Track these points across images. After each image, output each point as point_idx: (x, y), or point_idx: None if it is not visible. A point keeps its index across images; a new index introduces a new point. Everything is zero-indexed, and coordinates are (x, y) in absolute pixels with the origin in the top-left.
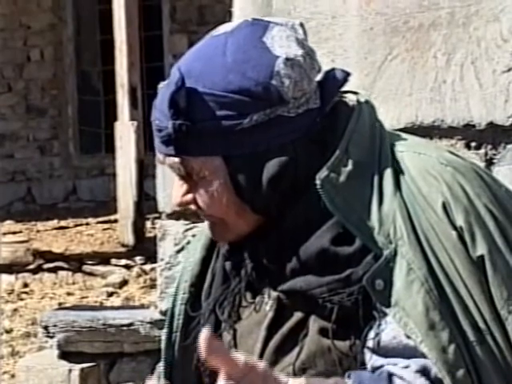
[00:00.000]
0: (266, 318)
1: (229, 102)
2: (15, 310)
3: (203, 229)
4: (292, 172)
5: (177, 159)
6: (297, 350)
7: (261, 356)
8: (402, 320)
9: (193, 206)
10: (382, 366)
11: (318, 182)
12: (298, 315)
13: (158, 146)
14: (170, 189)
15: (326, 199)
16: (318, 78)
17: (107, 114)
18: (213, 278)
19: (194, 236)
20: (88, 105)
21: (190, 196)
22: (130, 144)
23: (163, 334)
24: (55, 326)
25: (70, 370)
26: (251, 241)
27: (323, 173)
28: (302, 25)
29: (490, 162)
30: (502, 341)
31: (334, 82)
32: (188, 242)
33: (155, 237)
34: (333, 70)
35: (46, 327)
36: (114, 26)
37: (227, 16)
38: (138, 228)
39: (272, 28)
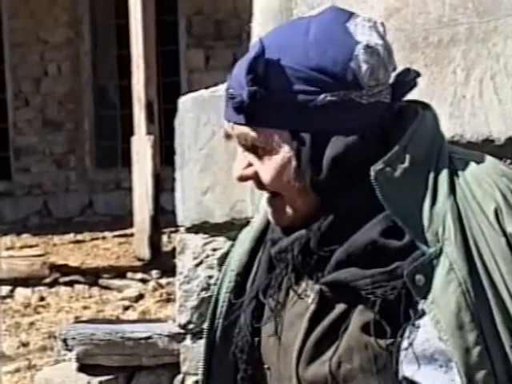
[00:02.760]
0: (308, 311)
1: (306, 77)
2: (32, 323)
3: (253, 223)
4: (354, 155)
5: (246, 129)
6: (336, 344)
7: (301, 348)
8: (436, 317)
9: (253, 181)
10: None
11: (372, 173)
12: (339, 308)
13: (228, 115)
14: (189, 202)
15: (378, 191)
16: (393, 75)
17: (124, 128)
18: (258, 267)
19: (213, 250)
20: (104, 119)
21: (251, 169)
22: (147, 158)
23: (207, 320)
24: (74, 338)
25: (88, 383)
26: (303, 224)
27: (378, 165)
28: (383, 24)
29: None
30: None
31: (405, 81)
32: (207, 256)
33: (171, 251)
34: (407, 69)
35: (64, 340)
36: (131, 41)
37: (243, 31)
38: (155, 242)
39: (357, 17)
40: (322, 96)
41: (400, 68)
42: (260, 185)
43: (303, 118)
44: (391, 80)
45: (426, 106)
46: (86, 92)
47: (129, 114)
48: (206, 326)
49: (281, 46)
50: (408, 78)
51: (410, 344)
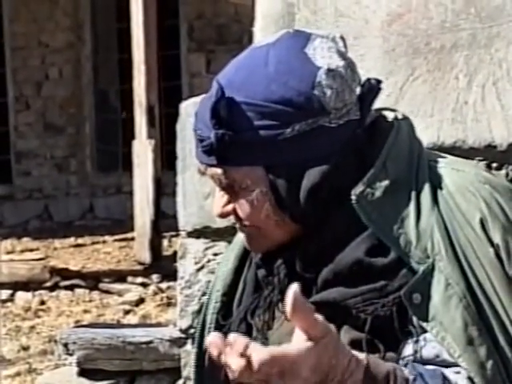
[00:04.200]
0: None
1: (271, 111)
2: (32, 327)
3: (237, 239)
4: (331, 182)
5: (219, 169)
6: None
7: None
8: (440, 334)
9: (233, 217)
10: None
11: (353, 197)
12: None
13: (199, 156)
14: (191, 207)
15: (361, 214)
16: (358, 89)
17: (124, 133)
18: (244, 287)
19: (214, 255)
20: (105, 123)
21: (230, 206)
22: (148, 162)
23: (194, 344)
24: (74, 343)
25: None
26: (286, 249)
27: (359, 188)
28: (342, 38)
29: (511, 183)
30: None
31: (370, 92)
32: (208, 261)
33: (172, 255)
34: (367, 80)
35: (65, 344)
36: (133, 45)
37: (245, 35)
38: (155, 246)
39: (314, 39)
40: (290, 128)
41: (363, 77)
42: (239, 220)
43: (274, 153)
44: (358, 92)
45: (399, 115)
46: (87, 96)
47: (130, 118)
48: (194, 348)
49: (242, 81)
50: (372, 86)
51: (416, 356)
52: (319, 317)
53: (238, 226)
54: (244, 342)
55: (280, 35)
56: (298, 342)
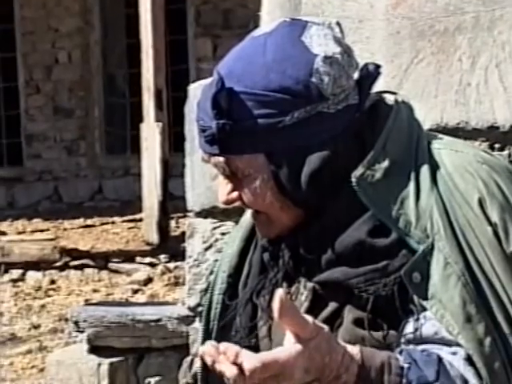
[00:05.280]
0: (301, 308)
1: (270, 100)
2: (43, 306)
3: (242, 221)
4: (332, 167)
5: (221, 158)
6: None
7: None
8: (439, 312)
9: (238, 203)
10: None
11: (353, 179)
12: (332, 305)
13: (202, 146)
14: (199, 188)
15: (362, 196)
16: (356, 75)
17: (133, 116)
18: (250, 268)
19: (222, 234)
20: (114, 106)
21: (235, 194)
22: (155, 145)
23: (201, 323)
24: (85, 321)
25: (99, 364)
26: (291, 232)
27: (359, 171)
28: (338, 23)
29: None
30: None
31: (368, 77)
32: (216, 240)
33: (179, 235)
34: (365, 65)
35: (76, 322)
36: (141, 30)
37: (251, 20)
38: (163, 227)
39: (310, 27)
40: (290, 116)
41: (360, 63)
42: (245, 206)
43: (275, 141)
44: (356, 76)
45: (399, 98)
46: (96, 80)
47: (138, 101)
48: (201, 328)
49: (240, 72)
50: (371, 72)
51: (419, 337)
52: (309, 318)
53: (250, 213)
54: (235, 350)
55: (276, 24)
56: (289, 345)
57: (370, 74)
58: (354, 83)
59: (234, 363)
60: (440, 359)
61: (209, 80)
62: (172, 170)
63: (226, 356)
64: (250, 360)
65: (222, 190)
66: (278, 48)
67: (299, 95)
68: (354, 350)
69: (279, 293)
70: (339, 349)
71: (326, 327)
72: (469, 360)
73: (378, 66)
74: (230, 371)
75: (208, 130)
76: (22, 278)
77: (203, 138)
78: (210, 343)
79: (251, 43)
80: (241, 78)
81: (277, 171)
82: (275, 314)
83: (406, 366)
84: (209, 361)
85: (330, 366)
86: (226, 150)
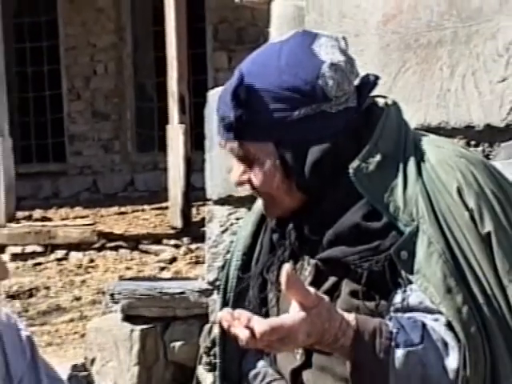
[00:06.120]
0: (305, 282)
1: (282, 97)
2: (83, 281)
3: (254, 208)
4: (331, 158)
5: (236, 144)
6: None
7: None
8: (423, 285)
9: (248, 185)
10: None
11: (350, 170)
12: (332, 279)
13: (220, 132)
14: (216, 179)
15: (357, 185)
16: (356, 82)
17: (160, 119)
18: (261, 248)
19: (236, 219)
20: (144, 111)
21: (245, 176)
22: (179, 144)
23: (219, 295)
24: (119, 294)
25: (131, 331)
26: (296, 216)
27: (355, 163)
28: (344, 38)
29: (487, 158)
30: (504, 304)
31: (367, 85)
32: (231, 224)
33: (200, 221)
34: (367, 75)
35: (112, 295)
36: (167, 45)
37: (261, 36)
38: (186, 214)
39: (320, 38)
40: (297, 111)
41: (362, 73)
42: (253, 188)
43: (283, 132)
44: (356, 83)
45: (389, 101)
46: (128, 88)
47: (164, 106)
48: (218, 299)
49: (258, 71)
50: (370, 81)
51: (406, 306)
52: (311, 289)
53: (257, 195)
54: (247, 316)
55: (291, 34)
56: (294, 312)
57: (370, 82)
58: (354, 89)
59: (247, 327)
60: (424, 325)
61: (225, 86)
62: (193, 165)
63: (239, 321)
64: (260, 324)
65: (235, 172)
66: (291, 54)
67: (307, 95)
68: (350, 317)
69: (286, 267)
70: (337, 316)
71: (326, 298)
72: (449, 326)
73: (376, 78)
74: (242, 334)
75: (226, 119)
76: (65, 258)
77: (222, 126)
78: (226, 310)
79: (269, 48)
80: (258, 76)
81: (284, 158)
82: (282, 286)
83: (394, 330)
84: (225, 325)
85: (329, 330)
86: (240, 136)
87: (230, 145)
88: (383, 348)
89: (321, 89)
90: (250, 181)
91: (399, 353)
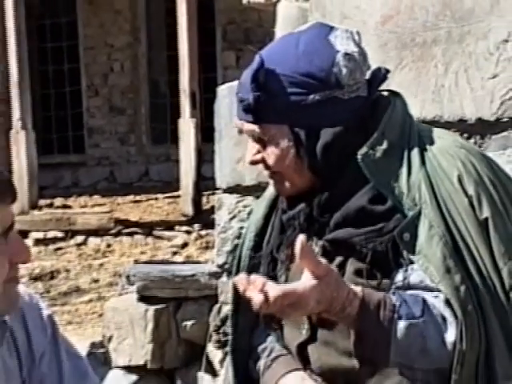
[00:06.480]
0: None
1: (298, 82)
2: (101, 264)
3: (265, 194)
4: (341, 142)
5: (253, 125)
6: None
7: None
8: (424, 265)
9: (262, 164)
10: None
11: (359, 156)
12: (338, 259)
13: (239, 114)
14: (225, 169)
15: (365, 170)
16: (368, 73)
17: (172, 113)
18: (272, 230)
19: (244, 206)
20: (157, 106)
21: (259, 156)
22: (190, 137)
23: (232, 273)
24: (135, 276)
25: (146, 310)
26: (306, 198)
27: (363, 150)
28: (358, 33)
29: None
30: (499, 285)
31: (378, 77)
32: (239, 211)
33: (210, 209)
34: (378, 68)
35: (127, 277)
36: (178, 44)
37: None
38: (196, 202)
39: (336, 30)
40: (312, 96)
41: (374, 66)
42: (267, 167)
43: (298, 115)
44: (368, 76)
45: (396, 95)
46: (143, 85)
47: (176, 102)
48: (232, 277)
49: (277, 57)
50: (381, 74)
51: (407, 285)
52: (322, 260)
53: (267, 173)
54: (262, 281)
55: (310, 25)
56: (306, 280)
57: (380, 75)
58: (365, 80)
59: (261, 291)
60: (425, 300)
61: (233, 82)
62: (204, 157)
63: (254, 285)
64: (274, 289)
65: (250, 152)
66: (309, 42)
67: (321, 81)
68: (357, 289)
69: (301, 238)
70: (345, 287)
71: (335, 269)
72: (447, 303)
73: (387, 71)
74: (257, 297)
75: (245, 101)
76: (84, 243)
77: (240, 107)
78: (243, 274)
79: (288, 37)
80: (276, 62)
81: (297, 139)
82: (296, 255)
83: (397, 303)
84: (241, 288)
85: (337, 299)
86: (258, 117)
87: (248, 126)
88: (387, 319)
89: (335, 76)
90: (263, 160)
91: (401, 324)
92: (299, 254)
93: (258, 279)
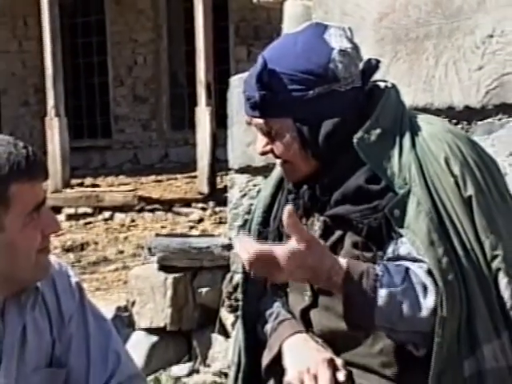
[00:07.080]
0: (315, 235)
1: (298, 79)
2: (126, 238)
3: (273, 174)
4: (341, 131)
5: (260, 120)
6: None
7: None
8: (411, 239)
9: (271, 154)
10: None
11: (354, 140)
12: (337, 233)
13: (246, 111)
14: (237, 151)
15: (360, 153)
16: (361, 65)
17: (190, 102)
18: (279, 207)
19: (254, 185)
20: (176, 95)
21: (268, 147)
22: (206, 123)
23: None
24: (156, 248)
25: (165, 279)
26: (310, 179)
27: (359, 134)
28: (350, 29)
29: None
30: (482, 256)
31: (370, 68)
32: (249, 190)
33: (223, 188)
34: (369, 59)
35: (149, 249)
36: (196, 40)
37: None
38: (211, 182)
39: (330, 28)
40: (312, 91)
41: (365, 58)
42: (275, 156)
43: (300, 109)
44: (361, 67)
45: (390, 85)
46: (164, 76)
47: (193, 92)
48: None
49: (278, 57)
50: (372, 65)
51: (396, 256)
52: (305, 228)
53: (279, 162)
54: (248, 240)
55: (305, 26)
56: (288, 244)
57: (372, 65)
58: (359, 71)
59: (247, 250)
60: (407, 270)
61: (244, 74)
62: (218, 141)
63: (245, 247)
64: (253, 247)
65: (259, 144)
66: (306, 42)
67: (320, 76)
68: (343, 261)
69: (288, 208)
70: (330, 258)
71: (321, 241)
72: (429, 273)
73: (378, 61)
74: (242, 255)
75: (252, 99)
76: (111, 218)
77: (248, 105)
78: (239, 236)
79: (287, 38)
80: (278, 62)
81: (301, 131)
82: (284, 223)
83: (380, 273)
84: (237, 247)
85: (321, 268)
86: (264, 113)
87: (256, 121)
88: (370, 287)
89: (332, 71)
90: (272, 151)
91: (383, 292)
92: (287, 221)
93: (246, 240)
